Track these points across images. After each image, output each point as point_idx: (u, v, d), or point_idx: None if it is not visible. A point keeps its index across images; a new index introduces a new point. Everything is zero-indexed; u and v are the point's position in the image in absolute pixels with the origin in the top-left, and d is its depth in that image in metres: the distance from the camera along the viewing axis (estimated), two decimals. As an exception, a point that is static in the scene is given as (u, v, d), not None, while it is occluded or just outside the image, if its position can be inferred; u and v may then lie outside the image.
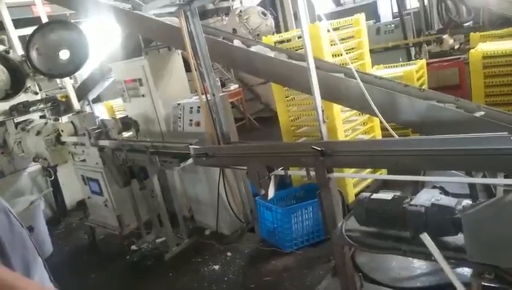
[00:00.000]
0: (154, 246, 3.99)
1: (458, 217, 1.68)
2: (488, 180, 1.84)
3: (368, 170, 3.58)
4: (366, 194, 2.10)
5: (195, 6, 3.11)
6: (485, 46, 4.43)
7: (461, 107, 2.65)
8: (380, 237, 1.95)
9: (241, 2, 8.81)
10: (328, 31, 3.45)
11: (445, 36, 6.05)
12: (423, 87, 4.93)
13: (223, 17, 8.20)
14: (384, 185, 3.79)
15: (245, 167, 2.67)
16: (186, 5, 3.12)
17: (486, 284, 1.75)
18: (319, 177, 2.20)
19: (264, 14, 7.05)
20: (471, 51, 4.40)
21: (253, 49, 3.36)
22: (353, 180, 3.85)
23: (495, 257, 1.56)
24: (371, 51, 5.60)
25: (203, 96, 3.25)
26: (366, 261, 2.90)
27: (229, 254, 3.67)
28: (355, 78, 2.56)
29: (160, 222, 3.89)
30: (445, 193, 1.96)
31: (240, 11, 7.06)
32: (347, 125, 3.90)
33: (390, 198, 1.96)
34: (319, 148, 2.13)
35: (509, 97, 4.23)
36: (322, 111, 2.53)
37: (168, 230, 3.79)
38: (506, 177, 1.82)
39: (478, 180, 1.88)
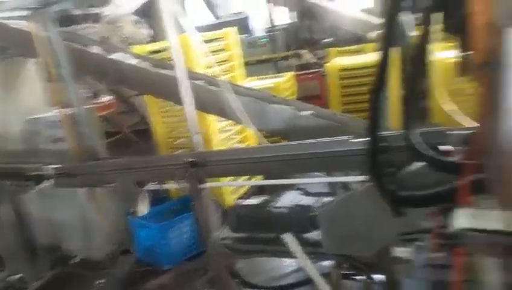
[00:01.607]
0: (8, 284, 3.43)
1: (316, 215, 1.84)
2: (337, 179, 2.07)
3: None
4: (239, 201, 2.16)
5: (52, 11, 2.83)
6: (339, 60, 5.02)
7: (320, 115, 2.93)
8: (251, 242, 2.02)
9: (113, 9, 8.32)
10: (204, 42, 3.49)
11: (302, 51, 6.70)
12: (293, 97, 5.37)
13: (93, 24, 7.63)
14: (262, 190, 3.96)
15: (114, 185, 2.50)
16: (40, 9, 2.81)
17: (344, 272, 1.95)
18: (192, 189, 2.19)
19: (139, 23, 6.80)
20: (327, 64, 4.94)
21: (113, 56, 3.19)
22: (231, 188, 3.93)
23: (347, 248, 1.76)
24: (245, 63, 5.86)
25: (65, 110, 2.96)
26: (244, 266, 2.98)
27: (101, 281, 3.38)
28: (226, 89, 2.63)
29: (17, 256, 3.38)
30: (307, 193, 2.15)
31: (111, 18, 6.67)
32: (223, 134, 3.98)
33: (258, 203, 2.05)
34: (189, 160, 2.12)
35: (362, 105, 4.83)
36: (195, 122, 2.54)
37: (24, 264, 3.31)
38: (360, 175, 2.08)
39: (329, 179, 2.10)
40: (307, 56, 6.77)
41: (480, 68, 0.85)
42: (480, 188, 1.06)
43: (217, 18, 10.22)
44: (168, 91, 2.86)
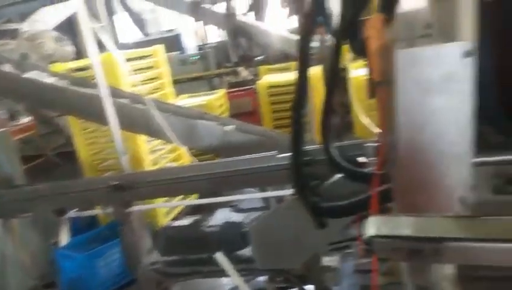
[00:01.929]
0: None
1: (247, 230, 1.85)
2: (267, 194, 2.11)
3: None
4: (168, 224, 2.10)
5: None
6: (269, 78, 5.18)
7: (250, 131, 2.98)
8: (183, 264, 1.97)
9: (32, 25, 7.80)
10: (132, 59, 3.39)
11: (240, 69, 6.83)
12: (225, 114, 5.40)
13: (11, 41, 7.07)
14: (198, 209, 3.89)
15: (31, 214, 2.30)
16: None
17: (278, 286, 1.97)
18: (118, 214, 2.09)
19: (61, 39, 6.44)
20: (258, 82, 5.08)
21: (28, 75, 2.97)
22: (164, 210, 3.82)
23: (277, 261, 1.78)
24: (177, 81, 5.79)
25: (-28, 134, 2.68)
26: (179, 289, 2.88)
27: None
28: (152, 107, 2.57)
29: None
30: (238, 210, 2.15)
31: (31, 34, 6.25)
32: (156, 154, 3.87)
33: (189, 223, 2.01)
34: (113, 183, 2.02)
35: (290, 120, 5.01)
36: (121, 142, 2.44)
37: None
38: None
39: (260, 194, 2.13)
40: (244, 73, 6.89)
41: (377, 86, 0.93)
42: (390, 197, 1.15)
43: (146, 35, 10.04)
44: (90, 111, 2.73)
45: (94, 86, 2.76)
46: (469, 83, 0.74)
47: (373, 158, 1.42)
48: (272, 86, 4.88)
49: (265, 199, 2.76)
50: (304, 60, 1.59)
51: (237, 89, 6.41)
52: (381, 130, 0.89)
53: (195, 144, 2.92)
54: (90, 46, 2.29)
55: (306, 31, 1.50)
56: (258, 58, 7.72)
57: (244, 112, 6.14)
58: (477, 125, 1.05)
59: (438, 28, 0.87)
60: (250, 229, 1.76)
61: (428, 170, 0.83)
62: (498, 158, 0.93)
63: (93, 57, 2.26)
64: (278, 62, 6.83)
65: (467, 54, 0.73)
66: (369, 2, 1.16)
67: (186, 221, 2.08)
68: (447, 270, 1.10)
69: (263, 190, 2.76)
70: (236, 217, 1.99)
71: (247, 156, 2.05)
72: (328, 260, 1.95)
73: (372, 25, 0.90)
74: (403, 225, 0.93)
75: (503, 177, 1.07)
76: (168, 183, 2.12)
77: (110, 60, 3.26)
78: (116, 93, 2.79)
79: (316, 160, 1.76)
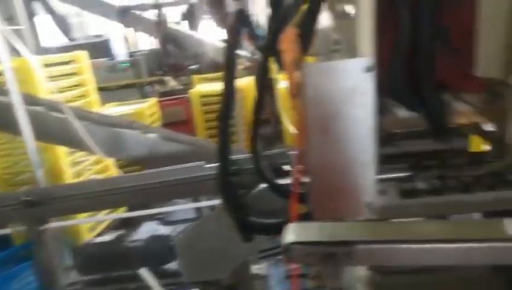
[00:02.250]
0: None
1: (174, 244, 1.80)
2: (196, 205, 2.08)
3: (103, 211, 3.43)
4: (88, 240, 1.97)
5: None
6: (202, 87, 5.15)
7: (181, 141, 2.93)
8: (104, 283, 1.85)
9: None
10: (51, 65, 3.16)
11: (167, 78, 6.71)
12: (157, 124, 5.26)
13: None
14: (127, 223, 3.71)
15: None
16: None
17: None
18: (30, 232, 1.91)
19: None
20: (190, 91, 5.03)
21: None
22: (88, 225, 3.58)
23: (205, 273, 1.75)
24: (105, 89, 5.52)
25: None
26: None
27: None
28: (71, 116, 2.41)
29: None
30: (166, 222, 2.09)
31: None
32: (79, 166, 3.63)
33: (111, 239, 1.91)
34: (26, 198, 1.85)
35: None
36: (36, 154, 2.25)
37: None
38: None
39: (189, 205, 2.09)
40: (172, 83, 6.78)
41: (293, 98, 0.96)
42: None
43: (72, 40, 9.48)
44: (2, 119, 2.49)
45: (6, 92, 2.53)
46: (371, 95, 0.80)
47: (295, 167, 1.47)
48: (204, 95, 4.86)
49: (198, 210, 2.72)
50: (230, 70, 1.60)
51: (170, 97, 6.28)
52: (298, 140, 0.93)
53: (121, 155, 2.79)
54: (1, 51, 2.09)
55: (231, 43, 1.52)
56: (191, 67, 7.66)
57: (178, 121, 6.05)
58: (383, 99, 1.16)
59: (344, 44, 0.93)
60: (175, 241, 1.72)
61: (338, 177, 0.88)
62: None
63: (5, 61, 2.07)
64: (211, 71, 6.84)
65: (368, 69, 0.79)
66: (292, 15, 1.20)
67: (108, 237, 1.97)
68: (361, 272, 1.17)
69: (196, 200, 2.73)
70: (163, 230, 1.92)
71: (175, 167, 2.01)
72: (257, 268, 1.96)
73: (286, 39, 0.94)
74: (318, 231, 0.97)
75: (408, 182, 1.17)
76: (89, 197, 2.00)
77: (25, 65, 3.01)
78: (31, 100, 2.58)
79: (243, 169, 1.78)
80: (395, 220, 1.08)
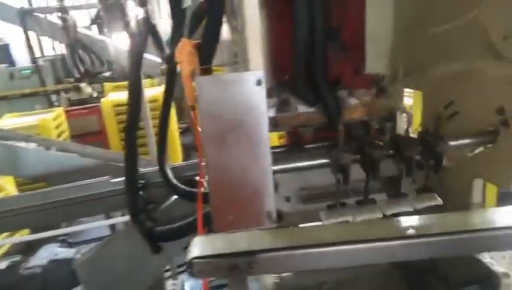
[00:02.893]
0: None
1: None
2: (101, 223, 1.95)
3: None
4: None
5: None
6: (115, 95, 4.89)
7: (88, 154, 2.74)
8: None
9: None
10: None
11: (82, 85, 6.27)
12: (65, 135, 4.87)
13: None
14: (30, 245, 3.35)
15: None
16: None
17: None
18: None
19: None
20: (102, 99, 4.75)
21: None
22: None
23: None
24: (4, 98, 4.96)
25: None
26: None
27: None
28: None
29: None
30: (69, 244, 1.93)
31: None
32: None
33: (5, 267, 1.70)
34: None
35: (140, 140, 4.82)
36: None
37: None
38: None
39: (91, 224, 1.96)
40: (88, 90, 6.32)
41: (191, 110, 0.95)
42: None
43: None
44: None
45: None
46: (263, 107, 0.82)
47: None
48: (117, 105, 4.61)
49: (113, 227, 2.56)
50: (135, 79, 1.54)
51: (80, 106, 5.85)
52: (199, 152, 0.91)
53: (19, 172, 2.52)
54: None
55: (135, 51, 1.46)
56: (104, 74, 7.24)
57: (90, 132, 5.67)
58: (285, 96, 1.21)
59: (240, 57, 0.95)
60: (77, 264, 1.59)
61: (237, 188, 0.88)
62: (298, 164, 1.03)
63: None
64: (125, 79, 6.54)
65: (258, 82, 0.81)
66: (198, 27, 1.19)
67: (2, 264, 1.75)
68: (268, 280, 1.19)
69: (108, 217, 2.56)
70: (65, 253, 1.76)
71: (79, 183, 1.86)
72: (171, 284, 1.90)
73: (182, 51, 0.93)
74: (222, 243, 0.96)
75: (309, 188, 1.22)
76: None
77: None
78: None
79: (152, 183, 1.71)
80: (293, 227, 1.12)
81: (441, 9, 1.04)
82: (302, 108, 1.23)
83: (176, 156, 4.76)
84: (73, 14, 6.62)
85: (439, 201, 1.07)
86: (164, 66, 1.54)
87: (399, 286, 1.29)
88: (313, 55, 1.11)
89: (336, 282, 1.30)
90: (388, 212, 1.07)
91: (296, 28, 1.05)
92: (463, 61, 1.03)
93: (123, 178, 1.68)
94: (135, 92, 1.57)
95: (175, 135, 4.80)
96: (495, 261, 1.06)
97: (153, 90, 4.72)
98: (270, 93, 1.16)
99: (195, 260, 0.91)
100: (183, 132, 5.57)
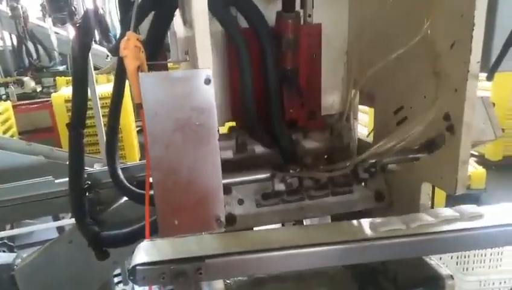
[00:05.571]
0: None
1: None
2: (48, 225, 1.84)
3: None
4: None
5: None
6: (66, 90, 4.65)
7: (32, 152, 2.57)
8: None
9: None
10: None
11: (25, 78, 5.89)
12: (12, 131, 4.57)
13: None
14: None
15: None
16: None
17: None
18: None
19: None
20: (53, 94, 4.50)
21: None
22: None
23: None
24: None
25: None
26: None
27: None
28: None
29: None
30: (10, 248, 1.79)
31: None
32: None
33: None
34: None
35: (93, 138, 4.58)
36: None
37: None
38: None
39: (35, 227, 1.83)
40: (31, 84, 5.95)
41: (139, 108, 0.89)
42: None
43: None
44: None
45: None
46: (211, 106, 0.78)
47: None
48: (70, 100, 4.38)
49: (60, 229, 2.42)
50: (80, 73, 1.44)
51: (31, 101, 5.50)
52: (146, 152, 0.86)
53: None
54: None
55: (81, 44, 1.37)
56: (55, 68, 6.86)
57: (41, 128, 5.37)
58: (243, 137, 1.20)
59: (190, 54, 0.91)
60: (16, 270, 1.47)
61: (184, 191, 0.84)
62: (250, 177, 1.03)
63: None
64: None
65: (207, 81, 0.77)
66: (143, 19, 1.13)
67: None
68: (218, 285, 1.16)
69: (57, 219, 2.41)
70: (5, 257, 1.63)
71: (19, 183, 1.74)
72: (121, 289, 1.82)
73: (127, 45, 0.87)
74: (168, 248, 0.92)
75: (261, 193, 1.20)
76: None
77: None
78: None
79: (102, 183, 1.62)
80: (242, 231, 1.09)
81: (397, 33, 1.06)
82: (259, 148, 1.23)
83: (132, 156, 4.61)
84: (25, 3, 6.25)
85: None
86: (110, 59, 1.47)
87: (350, 286, 1.30)
88: (268, 98, 1.13)
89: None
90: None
91: (240, 75, 1.06)
92: (412, 77, 1.07)
93: (67, 179, 1.58)
94: (80, 85, 1.48)
95: (132, 134, 4.63)
96: (443, 261, 1.09)
97: (108, 87, 4.52)
98: (228, 136, 1.20)
99: (139, 267, 0.86)
100: (141, 131, 5.40)
